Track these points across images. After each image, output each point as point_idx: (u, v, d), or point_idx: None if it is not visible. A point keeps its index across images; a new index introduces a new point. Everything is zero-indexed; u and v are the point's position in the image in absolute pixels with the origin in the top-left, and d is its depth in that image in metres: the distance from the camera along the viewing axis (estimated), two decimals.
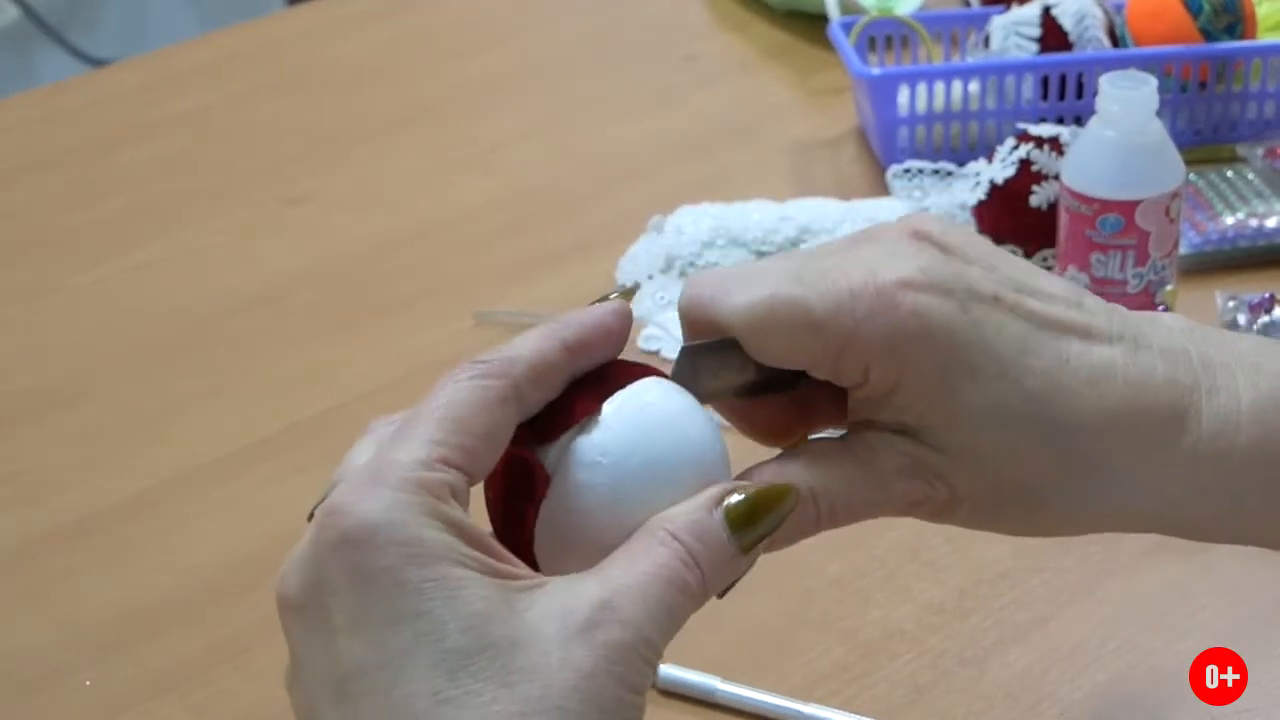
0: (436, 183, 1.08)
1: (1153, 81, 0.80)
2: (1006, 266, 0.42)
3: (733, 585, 0.39)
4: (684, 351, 0.40)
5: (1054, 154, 0.89)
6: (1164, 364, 0.42)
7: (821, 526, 0.41)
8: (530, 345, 0.38)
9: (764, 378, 0.42)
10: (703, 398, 0.41)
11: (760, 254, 0.93)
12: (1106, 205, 0.80)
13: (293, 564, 0.36)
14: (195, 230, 1.04)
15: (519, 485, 0.38)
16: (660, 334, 0.86)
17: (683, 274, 0.92)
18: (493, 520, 0.39)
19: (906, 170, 0.98)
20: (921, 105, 1.00)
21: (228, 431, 0.83)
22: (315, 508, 0.37)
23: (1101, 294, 0.46)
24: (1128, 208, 0.80)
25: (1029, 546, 0.71)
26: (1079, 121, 0.97)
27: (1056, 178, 0.86)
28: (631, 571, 0.36)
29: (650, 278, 0.92)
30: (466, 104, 1.20)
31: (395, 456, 0.36)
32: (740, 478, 0.40)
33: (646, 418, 0.38)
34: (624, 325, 0.40)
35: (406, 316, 0.93)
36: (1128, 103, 0.79)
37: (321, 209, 1.06)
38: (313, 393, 0.86)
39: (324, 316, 0.94)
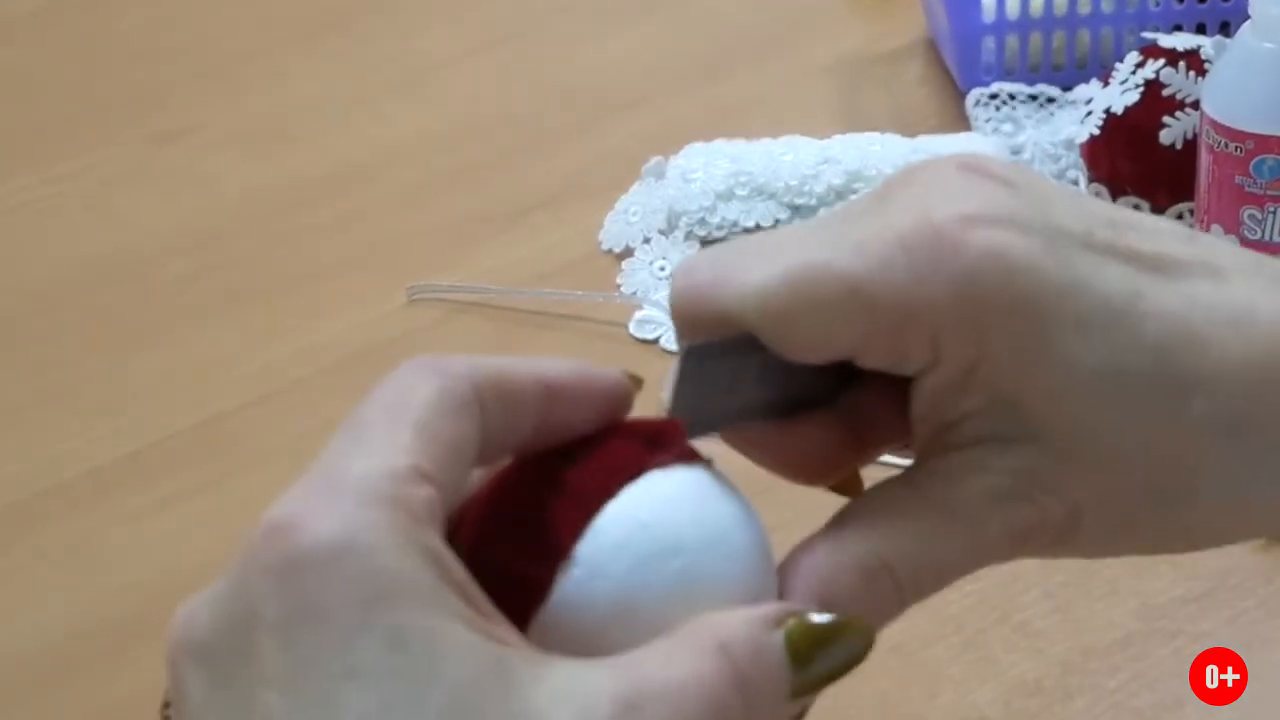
0: (359, 114, 1.08)
1: None
2: (1091, 203, 0.42)
3: None
4: (685, 355, 0.40)
5: (1192, 74, 0.89)
6: None
7: (907, 603, 0.41)
8: (496, 359, 0.39)
9: (794, 388, 0.42)
10: (717, 422, 0.41)
11: (794, 208, 0.93)
12: (1264, 143, 0.80)
13: (205, 599, 0.36)
14: (31, 178, 1.04)
15: (513, 584, 0.39)
16: (659, 317, 0.86)
17: (690, 235, 0.92)
18: None
19: (993, 96, 0.98)
20: (1013, 8, 1.00)
21: (75, 449, 0.83)
22: None
23: None
24: None
25: (1155, 605, 0.70)
26: (1225, 30, 0.97)
27: (1196, 106, 0.86)
28: (664, 675, 0.37)
29: (647, 240, 0.92)
30: (400, 7, 1.20)
31: (356, 464, 0.36)
32: (785, 561, 0.41)
33: (673, 510, 0.39)
34: (617, 396, 0.41)
35: (318, 293, 0.93)
36: None
37: (203, 149, 1.05)
38: (192, 396, 0.86)
39: (206, 293, 0.93)
